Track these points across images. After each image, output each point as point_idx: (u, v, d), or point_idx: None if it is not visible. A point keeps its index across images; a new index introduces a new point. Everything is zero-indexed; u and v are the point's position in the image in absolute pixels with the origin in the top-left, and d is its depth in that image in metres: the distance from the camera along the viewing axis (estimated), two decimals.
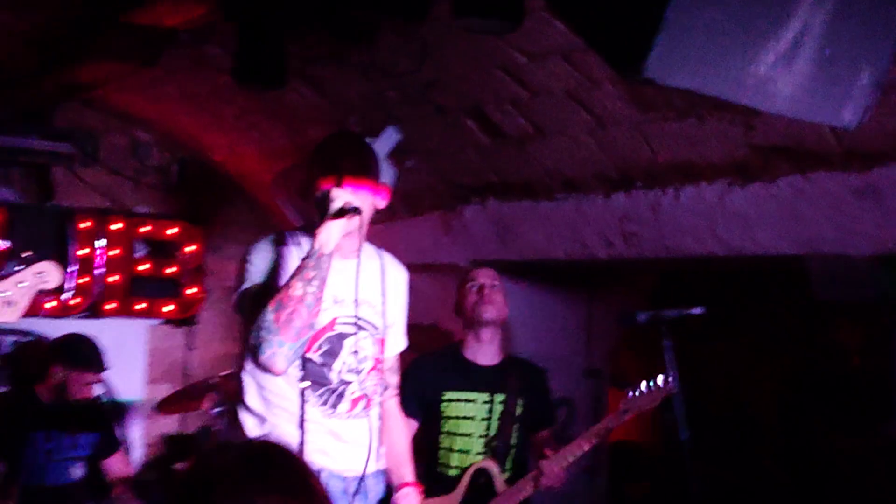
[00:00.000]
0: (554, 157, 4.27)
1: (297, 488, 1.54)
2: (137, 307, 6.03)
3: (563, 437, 5.35)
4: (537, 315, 5.40)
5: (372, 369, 3.17)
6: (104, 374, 5.09)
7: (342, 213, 2.89)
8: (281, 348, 2.86)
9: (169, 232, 6.15)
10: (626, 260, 4.32)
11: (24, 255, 3.34)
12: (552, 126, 4.10)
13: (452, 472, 4.11)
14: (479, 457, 4.10)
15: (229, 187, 6.36)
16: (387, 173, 4.72)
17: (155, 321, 6.24)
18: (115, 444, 5.31)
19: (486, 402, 4.13)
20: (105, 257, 5.90)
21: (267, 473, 1.54)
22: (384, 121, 4.62)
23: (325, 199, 2.91)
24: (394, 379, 3.38)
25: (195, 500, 1.53)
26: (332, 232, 2.89)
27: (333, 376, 3.09)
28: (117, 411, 5.97)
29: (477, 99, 4.20)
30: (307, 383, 3.04)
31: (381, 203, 3.16)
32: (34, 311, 5.61)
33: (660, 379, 3.87)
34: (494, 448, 4.13)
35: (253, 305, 2.95)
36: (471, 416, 4.13)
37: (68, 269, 5.81)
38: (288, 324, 2.84)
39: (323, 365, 3.08)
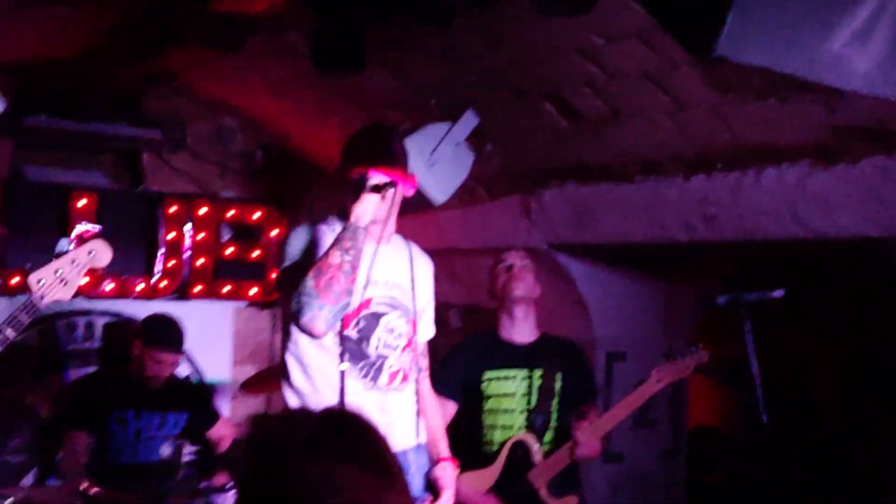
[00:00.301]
0: (632, 139, 4.26)
1: (371, 460, 1.54)
2: (223, 290, 6.15)
3: (642, 422, 5.36)
4: (616, 298, 5.39)
5: (406, 346, 3.42)
6: (180, 353, 5.21)
7: (378, 188, 3.13)
8: (321, 311, 3.05)
9: (253, 216, 6.26)
10: (705, 243, 4.29)
11: (75, 234, 3.47)
12: (630, 108, 4.09)
13: (496, 449, 4.21)
14: (521, 431, 4.19)
15: (311, 172, 6.45)
16: (465, 157, 4.77)
17: (241, 303, 6.36)
18: (212, 417, 5.46)
19: (524, 378, 4.25)
20: (192, 241, 6.03)
21: (343, 442, 1.54)
22: (462, 105, 4.65)
23: (362, 180, 3.16)
24: (424, 363, 3.60)
25: (269, 463, 1.54)
26: (367, 205, 3.13)
27: (371, 350, 3.32)
28: (205, 391, 6.12)
29: (554, 82, 4.20)
30: (346, 364, 3.25)
31: (409, 192, 3.35)
32: (126, 293, 5.81)
33: (690, 348, 4.01)
34: (533, 422, 4.21)
35: (292, 281, 3.15)
36: (511, 392, 4.24)
37: (158, 253, 5.96)
38: (327, 288, 3.04)
39: (360, 340, 3.31)
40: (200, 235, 6.05)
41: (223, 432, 5.38)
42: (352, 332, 3.30)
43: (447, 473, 3.48)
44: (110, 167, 6.16)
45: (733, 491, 5.93)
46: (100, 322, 5.86)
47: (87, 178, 5.95)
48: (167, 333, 5.17)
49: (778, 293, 3.61)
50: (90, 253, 3.41)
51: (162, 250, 5.95)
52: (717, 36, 1.79)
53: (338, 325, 3.23)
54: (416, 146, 4.63)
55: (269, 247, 6.24)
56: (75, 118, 5.61)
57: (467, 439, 4.27)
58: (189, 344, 6.02)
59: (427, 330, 3.62)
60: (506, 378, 4.24)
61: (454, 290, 6.32)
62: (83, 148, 5.97)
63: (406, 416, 3.42)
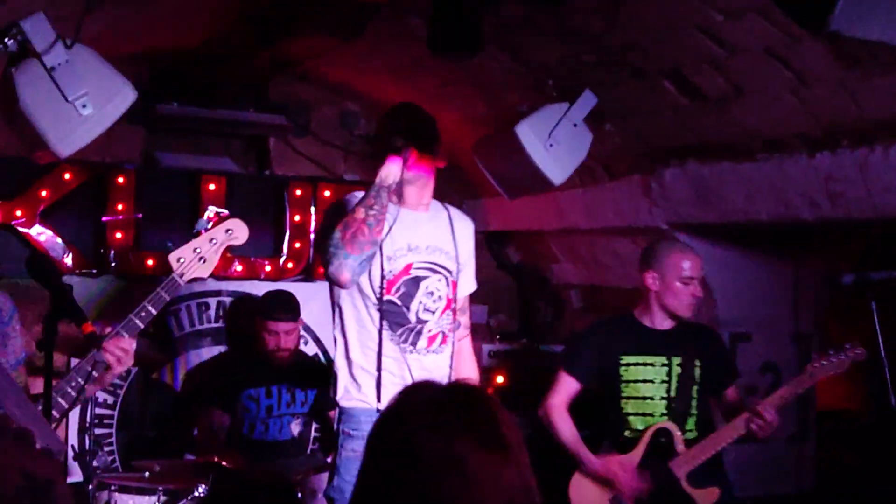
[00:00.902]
0: (754, 116, 4.18)
1: (489, 435, 1.55)
2: None
3: None
4: (741, 279, 5.31)
5: (445, 309, 3.63)
6: (292, 321, 5.30)
7: (397, 149, 3.43)
8: (346, 260, 3.34)
9: None
10: (831, 220, 4.19)
11: (211, 213, 3.59)
12: (752, 85, 4.01)
13: (636, 436, 4.20)
14: (661, 419, 4.17)
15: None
16: (584, 137, 4.76)
17: None
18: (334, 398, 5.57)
19: (663, 365, 4.22)
20: (317, 223, 6.15)
21: (468, 416, 1.57)
22: (580, 85, 4.64)
23: (385, 145, 3.48)
24: (465, 318, 3.80)
25: (390, 434, 1.58)
26: (391, 168, 3.43)
27: (411, 316, 3.54)
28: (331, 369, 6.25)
29: (674, 60, 4.15)
30: (388, 334, 3.51)
31: (441, 163, 3.62)
32: (254, 274, 5.98)
33: (847, 345, 3.87)
34: (674, 410, 4.19)
35: (318, 247, 3.59)
36: (650, 379, 4.21)
37: (284, 235, 6.11)
38: (353, 240, 3.33)
39: (401, 306, 3.52)
40: None
41: None
42: (393, 298, 3.52)
43: None
44: (238, 152, 6.33)
45: (863, 473, 5.78)
46: (226, 302, 6.04)
47: (217, 163, 6.13)
48: (277, 304, 5.31)
49: None
50: (227, 231, 3.50)
51: (288, 233, 6.09)
52: (832, 10, 1.76)
53: (379, 291, 3.49)
54: (535, 127, 4.65)
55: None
56: (205, 105, 5.79)
57: (606, 423, 4.31)
58: (314, 323, 6.18)
59: (468, 284, 3.81)
60: (644, 364, 4.23)
61: (575, 269, 6.33)
62: (212, 134, 6.16)
63: (443, 375, 3.60)
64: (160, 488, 4.16)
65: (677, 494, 4.13)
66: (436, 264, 3.62)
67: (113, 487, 4.16)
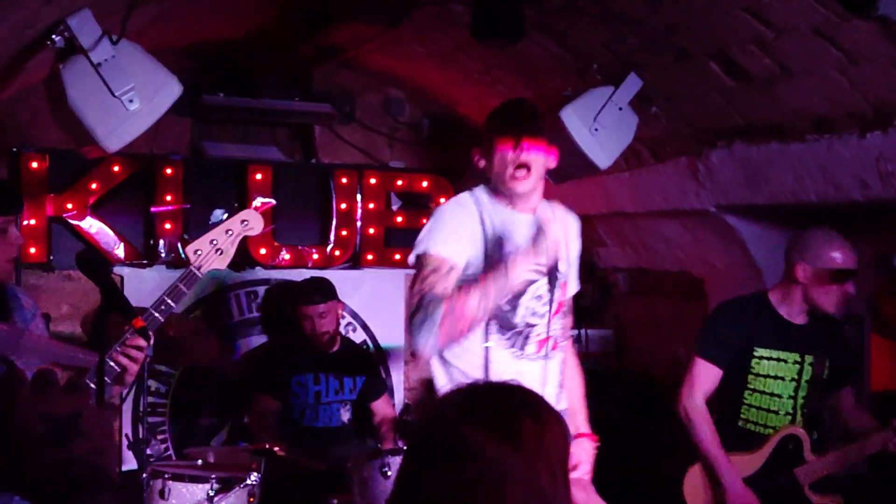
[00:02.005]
0: (802, 96, 4.12)
1: (508, 428, 1.60)
2: (394, 257, 6.28)
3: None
4: None
5: (556, 312, 3.39)
6: (325, 303, 5.33)
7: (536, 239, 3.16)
8: (433, 346, 3.08)
9: (422, 185, 6.36)
10: (883, 201, 4.12)
11: (258, 203, 3.58)
12: (799, 65, 3.95)
13: (755, 429, 4.07)
14: (785, 418, 4.03)
15: (477, 140, 6.48)
16: (629, 121, 4.72)
17: (411, 271, 6.47)
18: (381, 388, 5.61)
19: (796, 363, 4.06)
20: (363, 210, 6.18)
21: (485, 410, 1.62)
22: (625, 68, 4.60)
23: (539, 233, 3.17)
24: (567, 321, 3.58)
25: (428, 425, 1.66)
26: (524, 269, 3.16)
27: (518, 320, 3.30)
28: (380, 357, 6.29)
29: (719, 41, 4.10)
30: (493, 338, 3.26)
31: (552, 163, 3.35)
32: (301, 262, 6.02)
33: None
34: (804, 414, 4.05)
35: (426, 270, 3.20)
36: (781, 376, 4.06)
37: (331, 223, 6.13)
38: (449, 334, 3.07)
39: (508, 310, 3.27)
40: (371, 205, 6.19)
41: (384, 410, 5.52)
42: (502, 303, 3.26)
43: (583, 450, 3.43)
44: (284, 141, 6.37)
45: None
46: (261, 291, 6.07)
47: (263, 152, 6.17)
48: (308, 288, 5.38)
49: None
50: (243, 222, 3.52)
51: (335, 220, 6.12)
52: None
53: None
54: (580, 111, 4.63)
55: None
56: (250, 95, 5.82)
57: (725, 408, 4.16)
58: (363, 311, 6.23)
59: (573, 286, 3.59)
60: (778, 360, 4.07)
61: (622, 253, 6.29)
62: (258, 123, 6.21)
63: (553, 385, 3.40)
64: (213, 476, 4.20)
65: (801, 502, 4.02)
66: (545, 266, 3.34)
67: (167, 476, 4.20)
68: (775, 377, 4.05)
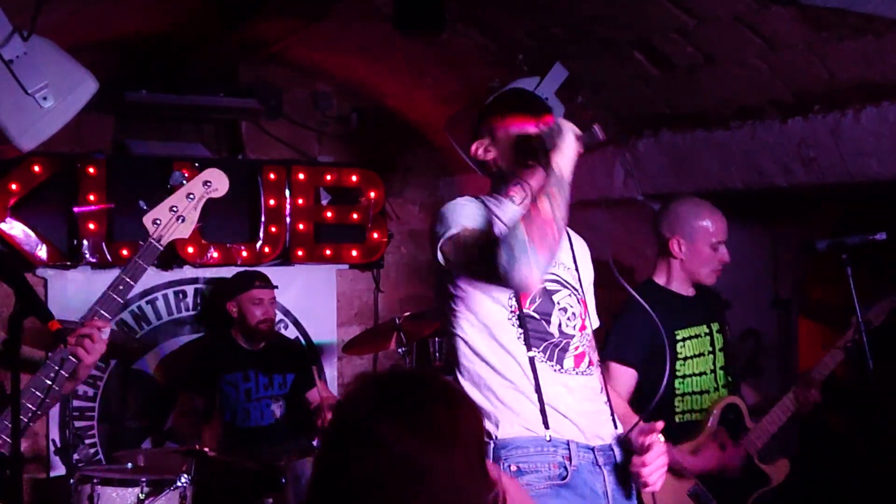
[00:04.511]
0: (725, 84, 4.16)
1: (422, 421, 1.59)
2: (325, 253, 6.24)
3: (751, 370, 5.26)
4: None
5: (583, 328, 2.97)
6: (273, 288, 5.38)
7: (581, 139, 2.84)
8: (538, 263, 2.63)
9: (352, 179, 6.32)
10: (806, 186, 4.17)
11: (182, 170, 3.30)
12: (721, 52, 3.99)
13: (693, 418, 3.86)
14: (717, 393, 3.88)
15: (406, 133, 6.47)
16: (556, 110, 4.72)
17: (343, 266, 6.45)
18: (312, 380, 5.58)
19: (707, 334, 3.91)
20: (292, 206, 6.12)
21: (401, 402, 1.61)
22: (550, 58, 4.61)
23: (552, 131, 2.82)
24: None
25: (340, 419, 1.66)
26: (570, 154, 2.78)
27: (553, 329, 2.87)
28: (313, 353, 6.25)
29: (643, 30, 4.12)
30: (535, 352, 2.83)
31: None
32: (231, 260, 5.94)
33: None
34: (731, 382, 3.93)
35: (466, 248, 2.80)
36: (701, 352, 3.89)
37: (260, 220, 6.07)
38: (542, 239, 2.62)
39: (540, 319, 2.86)
40: (300, 200, 6.14)
41: (323, 395, 5.50)
42: (530, 311, 2.85)
43: (649, 433, 2.91)
44: (210, 138, 6.28)
45: (846, 439, 5.80)
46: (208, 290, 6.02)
47: (189, 149, 6.08)
48: (253, 276, 5.40)
49: (880, 236, 3.51)
50: (206, 184, 3.21)
51: (264, 217, 6.06)
52: None
53: (514, 303, 2.84)
54: None
55: (368, 209, 6.31)
56: (174, 91, 5.73)
57: (656, 410, 3.51)
58: (294, 308, 6.18)
59: (594, 318, 3.16)
60: (696, 336, 3.87)
61: None
62: (183, 120, 6.12)
63: (601, 403, 2.96)
64: (143, 479, 4.15)
65: (754, 473, 3.91)
66: (561, 278, 2.95)
67: (95, 480, 4.15)
68: (698, 355, 3.88)
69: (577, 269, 3.06)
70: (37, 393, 2.86)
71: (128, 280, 3.02)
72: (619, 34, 4.24)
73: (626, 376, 3.72)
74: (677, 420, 3.84)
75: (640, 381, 3.72)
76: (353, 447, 1.55)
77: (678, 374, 3.83)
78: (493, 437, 2.79)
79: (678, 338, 3.83)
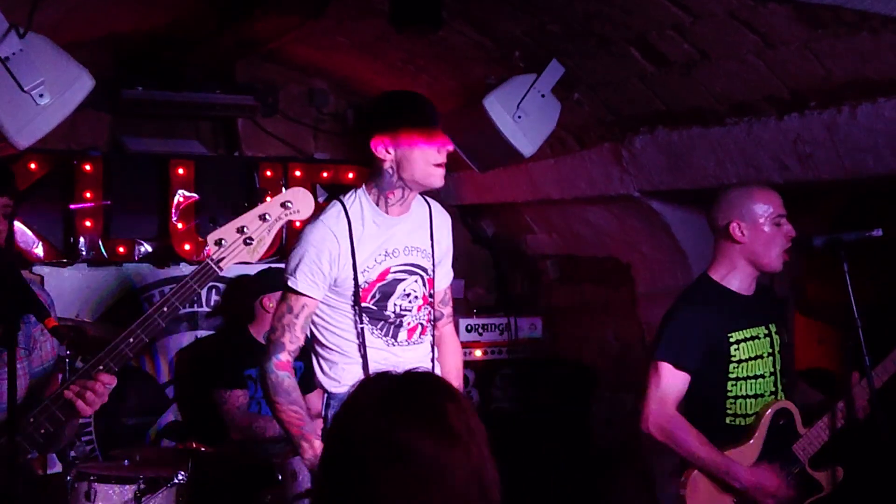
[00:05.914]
0: (722, 81, 4.16)
1: (439, 424, 1.59)
2: None
3: None
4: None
5: (422, 306, 3.57)
6: None
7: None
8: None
9: (348, 176, 6.32)
10: (802, 182, 4.18)
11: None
12: (717, 49, 3.99)
13: (745, 423, 3.68)
14: (773, 397, 3.70)
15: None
16: (552, 108, 4.73)
17: None
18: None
19: (766, 336, 3.72)
20: None
21: (413, 404, 1.61)
22: (547, 56, 4.61)
23: None
24: (447, 309, 3.79)
25: (344, 421, 1.63)
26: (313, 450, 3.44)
27: (389, 313, 3.48)
28: None
29: (639, 27, 4.12)
30: (368, 327, 3.46)
31: (450, 147, 3.43)
32: None
33: None
34: (786, 385, 3.75)
35: (283, 305, 3.46)
36: (759, 354, 3.70)
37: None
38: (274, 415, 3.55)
39: (378, 310, 3.46)
40: None
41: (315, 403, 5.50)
42: (369, 305, 3.45)
43: None
44: (207, 135, 6.28)
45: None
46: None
47: (185, 146, 6.08)
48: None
49: (876, 232, 3.50)
50: (285, 205, 2.97)
51: None
52: None
53: (353, 300, 3.43)
54: (503, 99, 4.63)
55: None
56: (171, 88, 5.74)
57: (707, 413, 3.67)
58: None
59: (446, 278, 3.76)
60: (753, 338, 3.69)
61: (550, 240, 6.32)
62: (179, 117, 6.12)
63: (425, 364, 3.60)
64: (140, 476, 4.15)
65: (806, 482, 3.70)
66: (413, 265, 3.54)
67: (92, 477, 4.14)
68: (756, 357, 3.69)
69: (432, 247, 3.58)
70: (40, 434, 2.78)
71: (176, 304, 2.77)
72: (615, 31, 4.24)
73: (677, 379, 3.62)
74: (727, 423, 3.69)
75: (691, 384, 3.65)
76: (373, 461, 1.54)
77: (731, 375, 3.66)
78: (327, 391, 3.57)
79: (731, 340, 3.66)
